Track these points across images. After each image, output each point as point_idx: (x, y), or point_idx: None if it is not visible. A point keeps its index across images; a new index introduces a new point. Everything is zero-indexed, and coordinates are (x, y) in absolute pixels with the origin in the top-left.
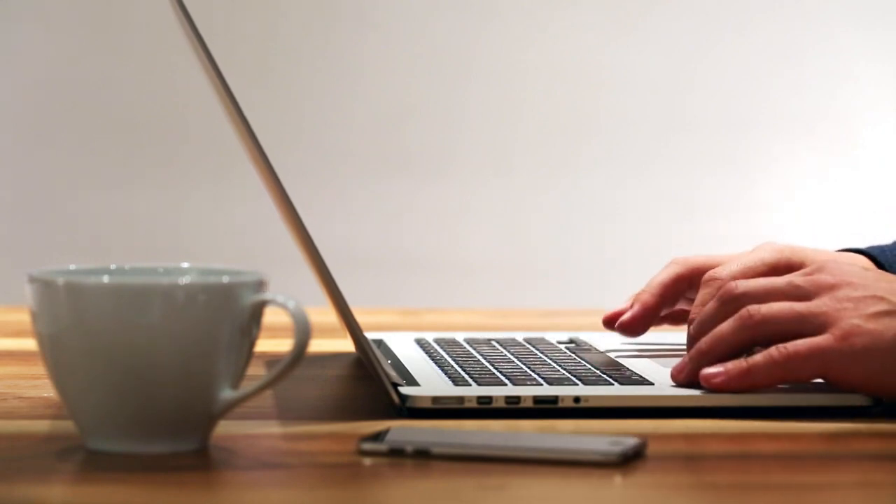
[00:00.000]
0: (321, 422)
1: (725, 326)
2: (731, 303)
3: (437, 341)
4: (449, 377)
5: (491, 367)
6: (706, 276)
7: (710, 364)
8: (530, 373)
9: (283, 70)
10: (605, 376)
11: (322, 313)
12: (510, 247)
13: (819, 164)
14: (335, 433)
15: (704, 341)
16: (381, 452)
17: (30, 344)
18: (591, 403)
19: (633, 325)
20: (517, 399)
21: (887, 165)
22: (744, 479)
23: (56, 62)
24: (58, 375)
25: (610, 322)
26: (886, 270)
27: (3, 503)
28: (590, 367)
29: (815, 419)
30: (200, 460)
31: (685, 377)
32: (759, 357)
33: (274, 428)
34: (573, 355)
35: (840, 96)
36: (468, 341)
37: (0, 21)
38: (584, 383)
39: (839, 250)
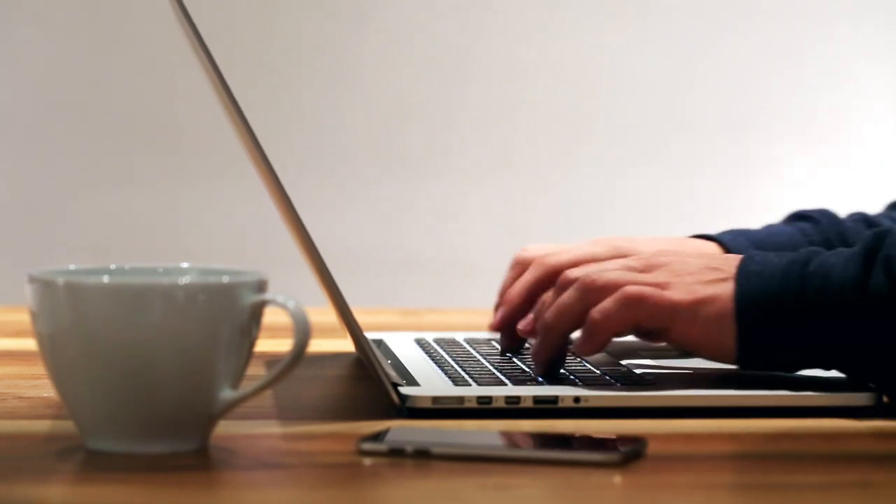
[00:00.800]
0: (321, 422)
1: (566, 296)
2: (568, 285)
3: (437, 341)
4: (449, 377)
5: (491, 367)
6: (536, 259)
7: (560, 335)
8: (530, 373)
9: (283, 70)
10: (605, 376)
11: (322, 313)
12: (510, 247)
13: (819, 164)
14: (335, 433)
15: (549, 314)
16: (381, 452)
17: (30, 344)
18: (591, 403)
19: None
20: (517, 399)
21: (887, 165)
22: (744, 479)
23: (56, 62)
24: (58, 375)
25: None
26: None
27: (3, 503)
28: (590, 367)
29: (815, 419)
30: (200, 460)
31: (543, 358)
32: (608, 301)
33: (274, 428)
34: (573, 355)
35: (840, 96)
36: (468, 341)
37: (0, 21)
38: (584, 383)
39: (691, 237)
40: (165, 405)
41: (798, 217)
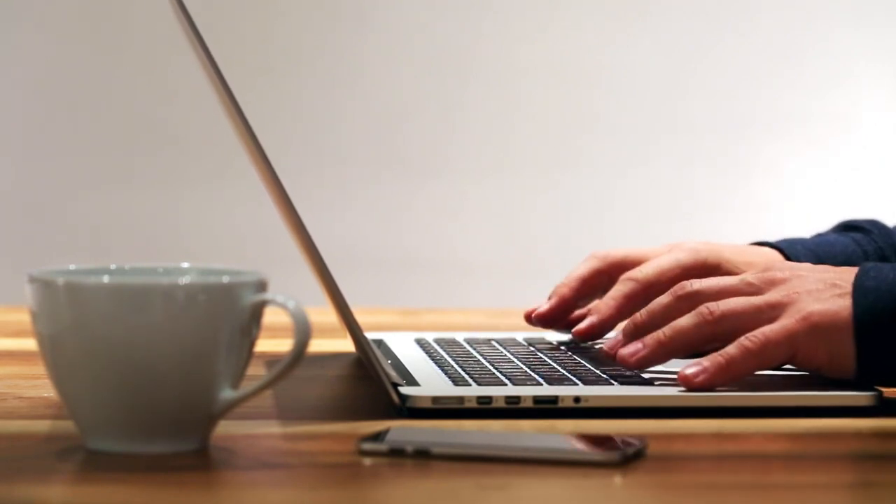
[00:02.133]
0: (321, 422)
1: (685, 321)
2: (686, 300)
3: (437, 341)
4: (449, 377)
5: (491, 367)
6: (622, 276)
7: (667, 355)
8: (530, 373)
9: (283, 70)
10: (605, 376)
11: (322, 313)
12: (510, 247)
13: (819, 164)
14: (335, 433)
15: (665, 333)
16: (381, 452)
17: (30, 344)
18: (591, 403)
19: (550, 317)
20: (517, 399)
21: (887, 165)
22: (744, 479)
23: (56, 62)
24: (58, 375)
25: (529, 317)
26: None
27: (3, 503)
28: (590, 367)
29: (815, 419)
30: (200, 460)
31: (638, 361)
32: (732, 349)
33: (274, 428)
34: (573, 355)
35: (840, 96)
36: (468, 341)
37: (0, 21)
38: (584, 383)
39: (751, 244)
40: (165, 405)
41: (849, 227)
